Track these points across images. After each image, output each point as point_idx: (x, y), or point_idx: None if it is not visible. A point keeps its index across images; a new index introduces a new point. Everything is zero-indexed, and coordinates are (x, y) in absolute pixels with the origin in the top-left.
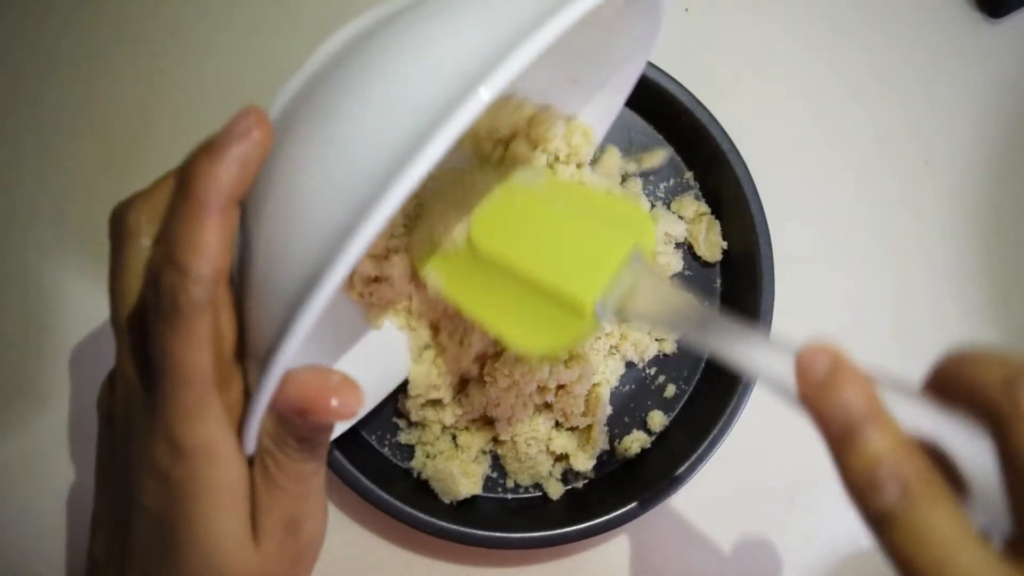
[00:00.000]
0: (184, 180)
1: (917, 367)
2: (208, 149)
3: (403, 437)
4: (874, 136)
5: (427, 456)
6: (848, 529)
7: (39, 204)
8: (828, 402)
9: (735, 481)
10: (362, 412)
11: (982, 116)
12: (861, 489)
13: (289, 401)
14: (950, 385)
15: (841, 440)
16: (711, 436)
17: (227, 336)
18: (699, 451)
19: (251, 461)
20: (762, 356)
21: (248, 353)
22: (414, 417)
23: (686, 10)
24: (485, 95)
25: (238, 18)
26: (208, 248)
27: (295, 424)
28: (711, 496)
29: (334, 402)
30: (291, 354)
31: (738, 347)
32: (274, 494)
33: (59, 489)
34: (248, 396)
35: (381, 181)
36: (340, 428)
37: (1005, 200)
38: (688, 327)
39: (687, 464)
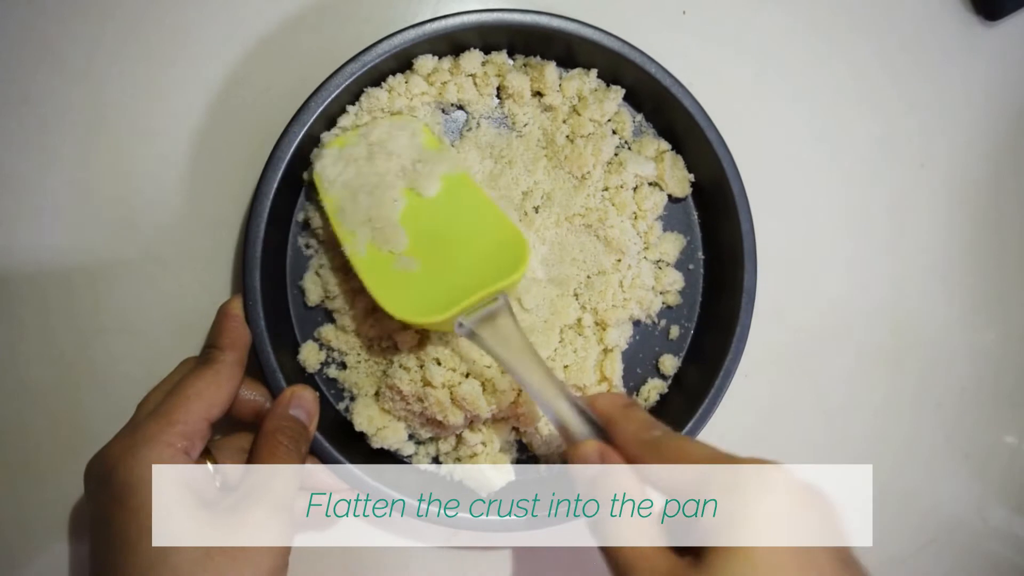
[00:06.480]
0: None
1: (914, 367)
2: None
3: (428, 449)
4: (870, 138)
5: (456, 459)
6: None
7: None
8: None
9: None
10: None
11: (978, 118)
12: None
13: None
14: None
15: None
16: (724, 366)
17: None
18: (716, 384)
19: None
20: (565, 414)
21: None
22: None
23: (683, 13)
24: None
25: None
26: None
27: None
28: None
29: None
30: None
31: (554, 405)
32: None
33: None
34: None
35: None
36: None
37: (1001, 202)
38: (524, 373)
39: (708, 398)
